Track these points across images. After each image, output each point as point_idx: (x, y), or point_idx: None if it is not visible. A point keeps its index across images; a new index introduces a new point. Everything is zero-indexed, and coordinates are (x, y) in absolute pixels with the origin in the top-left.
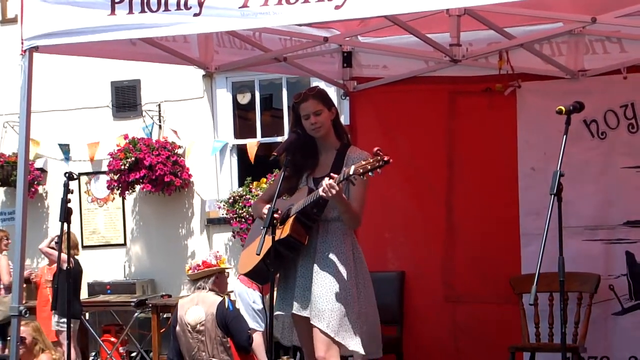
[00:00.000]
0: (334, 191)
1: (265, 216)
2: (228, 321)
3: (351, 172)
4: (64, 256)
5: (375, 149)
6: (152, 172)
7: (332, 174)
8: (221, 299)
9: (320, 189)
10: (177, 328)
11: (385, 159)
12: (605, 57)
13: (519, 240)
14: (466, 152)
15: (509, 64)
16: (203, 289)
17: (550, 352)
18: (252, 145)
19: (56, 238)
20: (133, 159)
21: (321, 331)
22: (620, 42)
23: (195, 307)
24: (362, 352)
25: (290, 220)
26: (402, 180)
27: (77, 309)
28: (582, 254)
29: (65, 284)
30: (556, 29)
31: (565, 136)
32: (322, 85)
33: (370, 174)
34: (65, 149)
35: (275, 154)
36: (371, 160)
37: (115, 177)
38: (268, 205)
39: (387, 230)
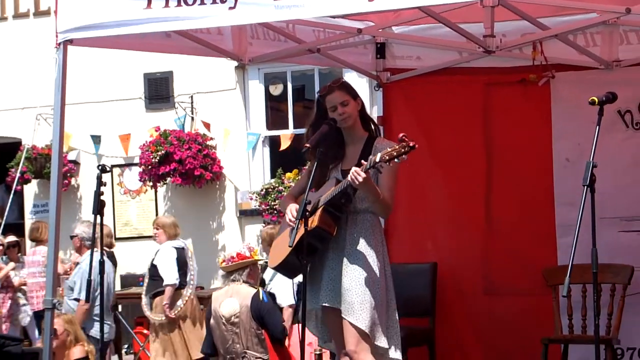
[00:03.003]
0: (360, 178)
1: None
2: (263, 313)
3: (377, 160)
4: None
5: (401, 135)
6: (182, 166)
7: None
8: (255, 290)
9: (348, 177)
10: (212, 320)
11: (411, 144)
12: None
13: (554, 231)
14: (502, 143)
15: (542, 55)
16: (237, 281)
17: (584, 343)
18: (285, 136)
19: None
20: (163, 152)
21: (352, 324)
22: None
23: (230, 299)
24: (386, 346)
25: (319, 211)
26: (439, 171)
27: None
28: (619, 245)
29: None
30: (590, 19)
31: (598, 127)
32: (354, 76)
33: (396, 160)
34: (97, 141)
35: (308, 145)
36: (397, 147)
37: (147, 170)
38: (293, 205)
39: (425, 221)
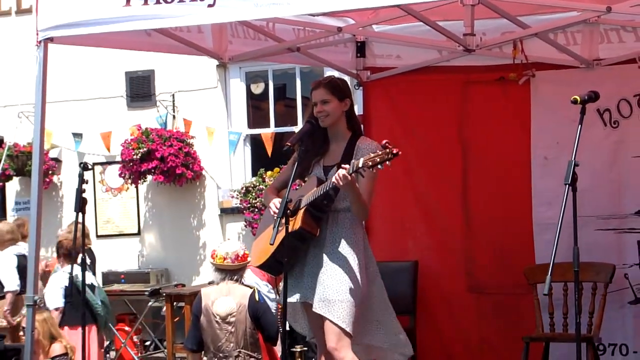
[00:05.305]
0: (346, 181)
1: (274, 205)
2: (260, 313)
3: (360, 165)
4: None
5: (384, 141)
6: (164, 164)
7: (342, 165)
8: (251, 290)
9: (333, 178)
10: (202, 318)
11: (394, 151)
12: (620, 46)
13: (532, 230)
14: (480, 142)
15: (523, 54)
16: (237, 280)
17: (565, 342)
18: (267, 136)
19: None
20: (145, 149)
21: (332, 322)
22: (635, 31)
23: (225, 298)
24: (375, 343)
25: (301, 212)
26: (420, 170)
27: None
28: (595, 244)
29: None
30: (571, 17)
31: (580, 126)
32: (334, 74)
33: (379, 166)
34: (79, 139)
35: (289, 144)
36: (380, 153)
37: (127, 167)
38: (277, 199)
39: (405, 220)
